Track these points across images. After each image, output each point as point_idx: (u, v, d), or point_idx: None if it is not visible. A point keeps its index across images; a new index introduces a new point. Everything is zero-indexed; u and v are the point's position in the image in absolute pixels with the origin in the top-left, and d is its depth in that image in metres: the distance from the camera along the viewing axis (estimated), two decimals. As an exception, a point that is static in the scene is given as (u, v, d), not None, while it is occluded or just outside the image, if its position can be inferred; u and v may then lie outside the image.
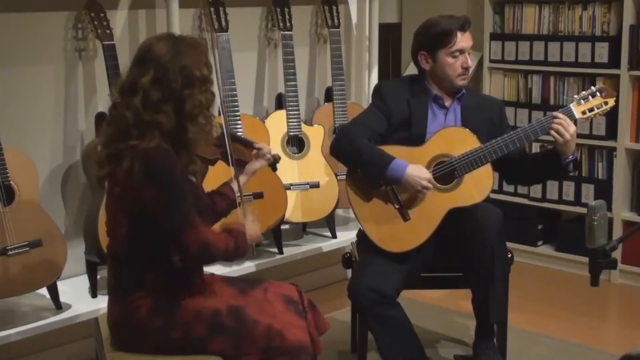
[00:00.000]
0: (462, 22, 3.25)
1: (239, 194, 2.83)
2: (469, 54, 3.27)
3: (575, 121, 3.18)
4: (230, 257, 2.58)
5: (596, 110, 3.23)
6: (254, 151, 2.93)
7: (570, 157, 3.20)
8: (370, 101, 4.38)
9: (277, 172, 3.39)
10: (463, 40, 3.24)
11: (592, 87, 3.27)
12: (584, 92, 3.26)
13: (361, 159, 3.16)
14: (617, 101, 3.36)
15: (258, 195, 3.69)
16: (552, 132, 3.15)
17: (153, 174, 2.43)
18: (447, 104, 3.32)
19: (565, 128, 3.13)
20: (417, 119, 3.27)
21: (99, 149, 2.58)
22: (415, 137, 3.25)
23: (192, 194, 2.53)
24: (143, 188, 2.43)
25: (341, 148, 3.23)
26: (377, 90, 3.38)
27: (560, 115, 3.16)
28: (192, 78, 2.50)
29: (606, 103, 3.23)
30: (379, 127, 3.25)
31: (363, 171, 3.19)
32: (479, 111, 3.34)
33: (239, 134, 3.69)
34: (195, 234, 2.46)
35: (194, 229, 2.46)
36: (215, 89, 2.61)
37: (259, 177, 3.03)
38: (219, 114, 3.68)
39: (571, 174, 3.36)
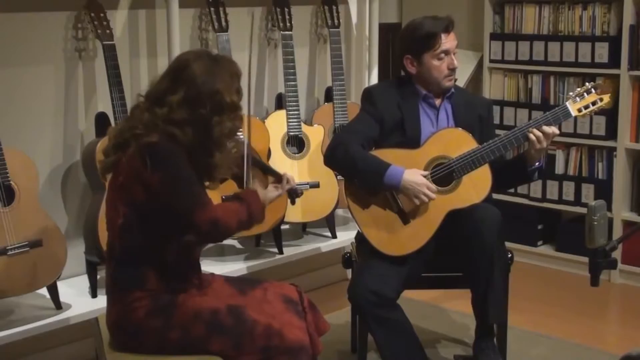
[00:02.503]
0: (446, 23, 3.24)
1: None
2: (454, 54, 3.26)
3: (574, 118, 3.19)
4: (245, 226, 2.60)
5: (592, 107, 3.22)
6: (272, 179, 2.89)
7: (537, 164, 3.22)
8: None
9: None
10: (448, 41, 3.23)
11: (587, 84, 3.26)
12: (578, 90, 3.25)
13: (357, 168, 3.14)
14: (612, 97, 3.34)
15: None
16: (532, 136, 3.15)
17: (159, 160, 2.45)
18: (437, 103, 3.32)
19: (548, 137, 3.14)
20: (410, 121, 3.26)
21: (107, 141, 2.60)
22: (410, 139, 3.24)
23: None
24: (151, 176, 2.44)
25: (336, 158, 3.21)
26: (367, 95, 3.35)
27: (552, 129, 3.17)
28: (222, 105, 2.52)
29: (601, 99, 3.23)
30: (371, 133, 3.24)
31: (360, 180, 3.18)
32: (469, 108, 3.34)
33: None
34: (205, 213, 2.47)
35: (203, 207, 2.48)
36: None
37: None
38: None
39: (535, 180, 3.36)
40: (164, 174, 2.45)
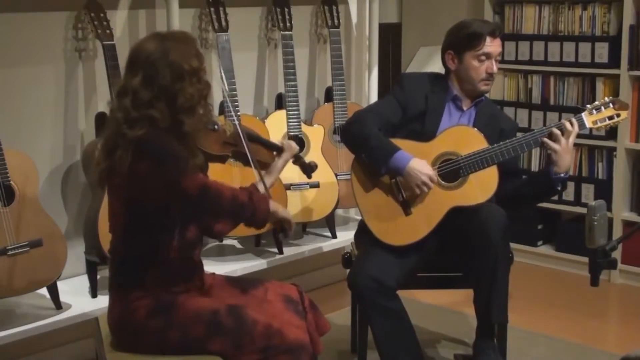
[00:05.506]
0: (494, 27, 3.30)
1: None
2: (496, 60, 3.28)
3: (590, 130, 3.21)
4: (241, 210, 2.55)
5: (608, 122, 3.24)
6: (276, 154, 2.89)
7: (562, 174, 3.20)
8: (369, 100, 4.42)
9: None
10: (492, 45, 3.26)
11: (606, 98, 3.28)
12: (597, 102, 3.27)
13: (368, 144, 3.17)
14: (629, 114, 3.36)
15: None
16: (546, 140, 3.16)
17: (143, 149, 2.44)
18: (464, 107, 3.33)
19: (557, 139, 3.15)
20: (432, 115, 3.29)
21: (97, 152, 2.59)
22: (427, 132, 3.27)
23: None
24: (137, 166, 2.43)
25: (350, 132, 3.26)
26: (399, 79, 3.42)
27: (567, 124, 3.17)
28: (181, 72, 2.50)
29: (619, 115, 3.24)
30: (393, 117, 3.28)
31: (367, 157, 3.20)
32: (493, 120, 3.36)
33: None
34: (192, 179, 2.46)
35: (191, 175, 2.46)
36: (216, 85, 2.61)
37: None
38: (224, 115, 3.68)
39: (557, 192, 3.32)
40: (149, 159, 2.44)
